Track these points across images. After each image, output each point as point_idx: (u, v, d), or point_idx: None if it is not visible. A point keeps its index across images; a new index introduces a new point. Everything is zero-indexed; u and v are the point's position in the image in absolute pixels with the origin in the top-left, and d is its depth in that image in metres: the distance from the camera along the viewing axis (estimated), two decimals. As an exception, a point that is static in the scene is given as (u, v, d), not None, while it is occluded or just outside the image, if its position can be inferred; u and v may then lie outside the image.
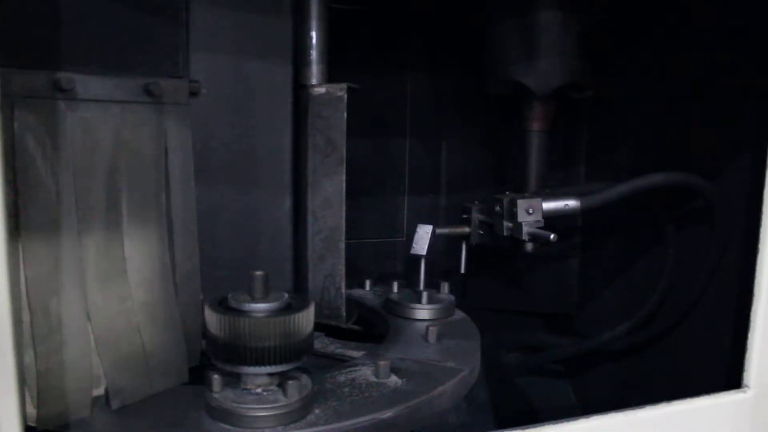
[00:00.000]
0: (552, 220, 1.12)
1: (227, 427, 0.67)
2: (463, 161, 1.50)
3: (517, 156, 1.33)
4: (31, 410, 0.66)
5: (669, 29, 1.22)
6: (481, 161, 1.50)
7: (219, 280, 0.97)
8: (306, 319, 0.69)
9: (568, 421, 0.84)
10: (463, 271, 1.27)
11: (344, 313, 1.06)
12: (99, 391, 0.72)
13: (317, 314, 0.83)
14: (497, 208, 1.17)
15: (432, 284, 1.13)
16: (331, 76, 1.06)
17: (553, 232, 1.06)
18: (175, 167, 0.82)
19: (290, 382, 0.70)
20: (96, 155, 0.73)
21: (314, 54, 1.05)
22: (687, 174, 1.10)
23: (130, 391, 0.74)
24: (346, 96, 1.00)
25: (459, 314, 1.09)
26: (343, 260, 1.04)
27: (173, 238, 0.82)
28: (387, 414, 0.73)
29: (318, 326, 0.92)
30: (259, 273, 0.70)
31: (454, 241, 1.29)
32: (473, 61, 1.31)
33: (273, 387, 0.70)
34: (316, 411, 0.71)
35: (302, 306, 0.70)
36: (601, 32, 1.23)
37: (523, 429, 0.80)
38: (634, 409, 0.89)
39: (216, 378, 0.70)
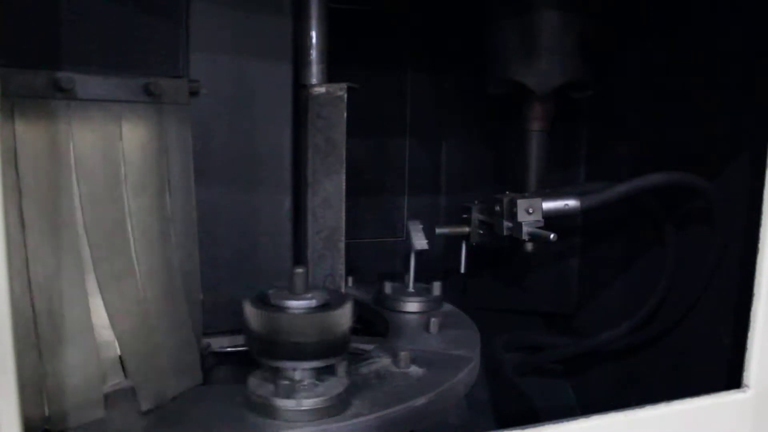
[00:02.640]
0: (552, 220, 1.12)
1: (273, 421, 0.69)
2: (463, 161, 1.50)
3: (517, 156, 1.33)
4: (34, 411, 0.66)
5: (669, 29, 1.22)
6: (481, 161, 1.50)
7: (219, 280, 0.97)
8: (343, 316, 0.71)
9: (568, 421, 0.84)
10: (463, 270, 1.27)
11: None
12: (106, 389, 0.73)
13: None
14: (497, 208, 1.17)
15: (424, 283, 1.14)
16: (331, 75, 1.06)
17: (553, 232, 1.06)
18: (175, 167, 0.82)
19: (330, 376, 0.72)
20: (96, 155, 0.73)
21: (314, 54, 1.04)
22: (687, 174, 1.10)
23: (158, 392, 0.74)
24: (346, 96, 1.00)
25: (447, 306, 1.12)
26: (343, 260, 1.04)
27: (173, 238, 0.82)
28: (421, 401, 0.75)
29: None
30: (299, 270, 0.71)
31: (454, 240, 1.29)
32: (473, 61, 1.31)
33: (312, 381, 0.71)
34: (356, 402, 0.73)
35: (340, 303, 0.72)
36: (601, 32, 1.23)
37: (523, 429, 0.80)
38: (634, 409, 0.89)
39: (256, 373, 0.72)
